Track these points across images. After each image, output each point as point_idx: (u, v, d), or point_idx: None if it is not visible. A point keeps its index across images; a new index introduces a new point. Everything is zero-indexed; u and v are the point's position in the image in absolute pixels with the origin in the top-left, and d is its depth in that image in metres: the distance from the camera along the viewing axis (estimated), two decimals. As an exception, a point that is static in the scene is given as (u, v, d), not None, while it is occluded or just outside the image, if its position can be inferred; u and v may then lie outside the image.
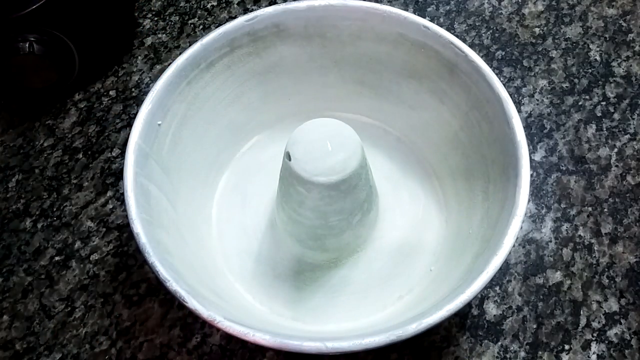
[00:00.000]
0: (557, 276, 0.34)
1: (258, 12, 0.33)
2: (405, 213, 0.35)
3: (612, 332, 0.33)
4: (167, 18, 0.45)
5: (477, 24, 0.44)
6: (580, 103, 0.41)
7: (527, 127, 0.39)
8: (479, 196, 0.32)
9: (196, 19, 0.45)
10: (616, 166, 0.38)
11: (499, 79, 0.30)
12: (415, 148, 0.37)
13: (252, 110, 0.36)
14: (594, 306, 0.34)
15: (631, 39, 0.43)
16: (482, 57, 0.31)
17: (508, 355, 0.32)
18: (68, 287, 0.34)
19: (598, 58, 0.43)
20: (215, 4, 0.46)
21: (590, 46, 0.43)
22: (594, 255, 0.35)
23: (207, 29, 0.44)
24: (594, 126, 0.40)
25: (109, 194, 0.38)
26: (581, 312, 0.33)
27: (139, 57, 0.43)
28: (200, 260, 0.32)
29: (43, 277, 0.35)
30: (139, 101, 0.41)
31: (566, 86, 0.41)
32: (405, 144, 0.37)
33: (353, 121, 0.31)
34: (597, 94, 0.41)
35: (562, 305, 0.34)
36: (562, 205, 0.37)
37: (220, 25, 0.33)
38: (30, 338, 0.33)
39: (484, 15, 0.45)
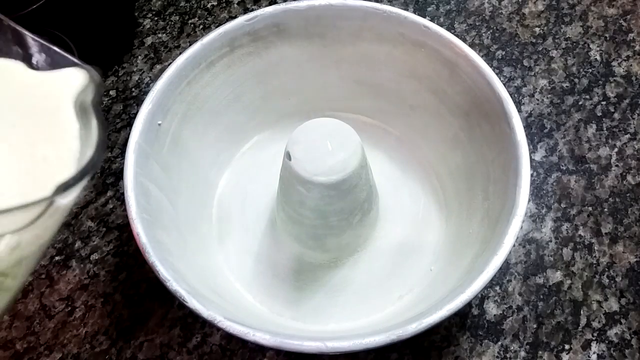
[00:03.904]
0: (557, 276, 0.34)
1: (258, 12, 0.33)
2: (405, 213, 0.35)
3: (613, 332, 0.33)
4: (167, 18, 0.45)
5: (477, 24, 0.44)
6: (580, 103, 0.41)
7: (527, 126, 0.39)
8: (479, 196, 0.32)
9: (196, 19, 0.45)
10: (616, 166, 0.38)
11: (499, 78, 0.30)
12: (415, 148, 0.37)
13: (252, 110, 0.36)
14: (594, 306, 0.34)
15: (631, 38, 0.43)
16: (482, 56, 0.31)
17: (508, 355, 0.32)
18: (68, 286, 0.34)
19: (598, 58, 0.43)
20: (215, 3, 0.46)
21: (591, 46, 0.43)
22: (594, 255, 0.35)
23: (207, 29, 0.44)
24: (594, 126, 0.40)
25: (109, 193, 0.38)
26: (581, 312, 0.33)
27: (139, 57, 0.43)
28: (200, 260, 0.32)
29: (43, 276, 0.35)
30: (139, 101, 0.41)
31: (566, 86, 0.41)
32: (405, 144, 0.37)
33: (353, 121, 0.31)
34: (598, 93, 0.41)
35: (562, 305, 0.34)
36: (562, 205, 0.37)
37: (220, 25, 0.33)
38: (31, 338, 0.33)
39: (484, 15, 0.45)
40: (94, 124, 0.20)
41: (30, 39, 0.21)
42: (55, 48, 0.21)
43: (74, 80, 0.21)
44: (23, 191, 0.19)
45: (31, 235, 0.17)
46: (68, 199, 0.18)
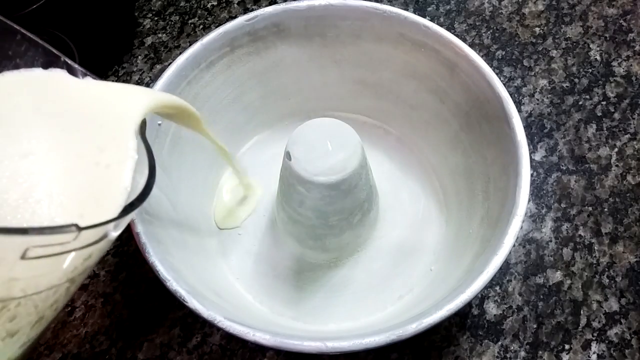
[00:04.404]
0: (557, 276, 0.34)
1: (258, 11, 0.33)
2: (405, 213, 0.35)
3: (613, 332, 0.33)
4: (167, 18, 0.45)
5: (477, 24, 0.44)
6: (580, 103, 0.41)
7: (527, 126, 0.39)
8: (479, 196, 0.32)
9: (196, 19, 0.45)
10: (616, 166, 0.38)
11: (499, 78, 0.30)
12: (415, 148, 0.37)
13: (252, 111, 0.36)
14: (594, 306, 0.34)
15: (631, 38, 0.43)
16: (482, 56, 0.31)
17: (508, 355, 0.32)
18: (68, 287, 0.34)
19: (598, 58, 0.43)
20: (215, 3, 0.46)
21: (591, 46, 0.43)
22: (594, 255, 0.35)
23: (207, 29, 0.44)
24: (594, 126, 0.40)
25: (109, 193, 0.37)
26: (581, 312, 0.33)
27: (139, 57, 0.43)
28: (200, 260, 0.32)
29: (43, 277, 0.35)
30: (139, 101, 0.41)
31: (566, 86, 0.41)
32: (405, 144, 0.37)
33: (353, 121, 0.31)
34: (598, 93, 0.41)
35: (562, 305, 0.34)
36: (562, 205, 0.37)
37: (220, 25, 0.33)
38: (31, 338, 0.33)
39: (484, 15, 0.45)
40: (141, 148, 0.21)
41: (81, 73, 0.23)
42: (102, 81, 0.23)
43: (141, 100, 0.22)
44: (90, 202, 0.20)
45: (97, 249, 0.18)
46: (117, 232, 0.18)
